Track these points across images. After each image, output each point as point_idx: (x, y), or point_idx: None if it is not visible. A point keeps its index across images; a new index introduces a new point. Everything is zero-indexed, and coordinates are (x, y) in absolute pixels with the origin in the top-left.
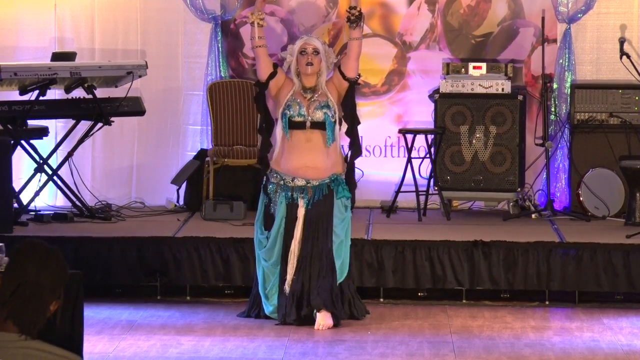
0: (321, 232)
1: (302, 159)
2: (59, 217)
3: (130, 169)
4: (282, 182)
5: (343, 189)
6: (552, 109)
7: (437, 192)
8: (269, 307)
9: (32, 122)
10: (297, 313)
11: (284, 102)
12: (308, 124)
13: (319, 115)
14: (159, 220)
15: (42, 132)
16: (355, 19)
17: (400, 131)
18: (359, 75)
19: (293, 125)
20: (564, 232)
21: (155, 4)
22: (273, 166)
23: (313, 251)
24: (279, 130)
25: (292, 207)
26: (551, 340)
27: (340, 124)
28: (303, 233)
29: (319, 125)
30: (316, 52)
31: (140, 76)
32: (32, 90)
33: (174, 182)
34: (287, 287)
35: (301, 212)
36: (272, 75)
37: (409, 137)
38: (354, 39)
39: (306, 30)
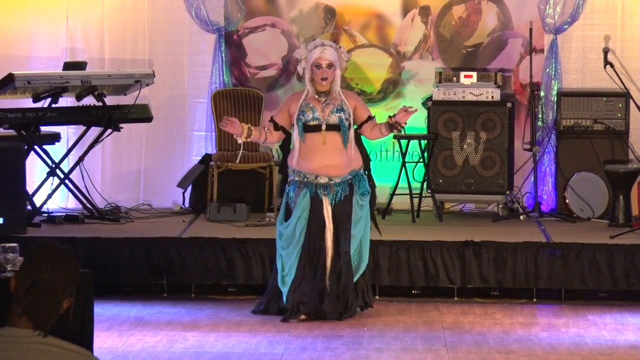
0: (341, 234)
1: (321, 159)
2: (70, 218)
3: (138, 173)
4: (305, 179)
5: (363, 184)
6: (540, 116)
7: (430, 194)
8: (284, 295)
9: (44, 129)
10: (330, 311)
11: (297, 109)
12: (323, 126)
13: (334, 119)
14: (166, 222)
15: (55, 138)
16: (397, 131)
17: (395, 137)
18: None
19: (308, 129)
20: (551, 232)
21: (162, 16)
22: (295, 167)
23: (337, 251)
24: (295, 135)
25: (316, 202)
26: (539, 335)
27: (352, 126)
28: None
29: (334, 127)
30: (330, 66)
31: (147, 84)
32: (45, 97)
33: (179, 185)
34: (327, 284)
35: (329, 210)
36: (286, 131)
37: (404, 142)
38: (383, 135)
39: (306, 40)
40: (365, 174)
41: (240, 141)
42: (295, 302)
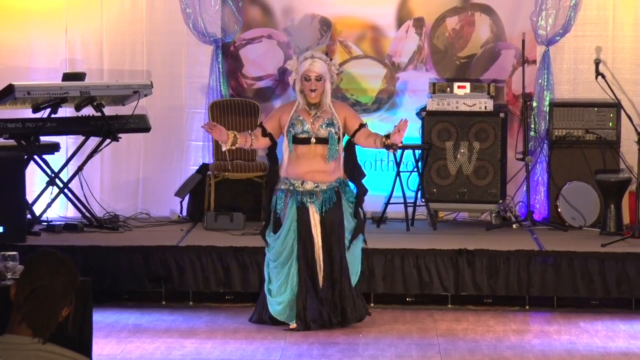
0: (334, 241)
1: (308, 165)
2: (69, 227)
3: (137, 182)
4: (291, 187)
5: (350, 190)
6: (532, 126)
7: (424, 203)
8: (275, 306)
9: (44, 138)
10: (328, 319)
11: (288, 121)
12: (313, 140)
13: (323, 132)
14: (164, 230)
15: (54, 148)
16: (392, 151)
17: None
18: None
19: (298, 141)
20: (543, 241)
21: (160, 27)
22: (282, 174)
23: (330, 258)
24: (285, 146)
25: (302, 211)
26: (531, 342)
27: (342, 139)
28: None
29: (323, 141)
30: (319, 78)
31: (146, 95)
32: (45, 108)
33: (177, 194)
34: (320, 294)
35: (317, 218)
36: (273, 139)
37: (398, 152)
38: (376, 147)
39: (301, 52)
40: (348, 182)
41: (224, 148)
42: (309, 321)
